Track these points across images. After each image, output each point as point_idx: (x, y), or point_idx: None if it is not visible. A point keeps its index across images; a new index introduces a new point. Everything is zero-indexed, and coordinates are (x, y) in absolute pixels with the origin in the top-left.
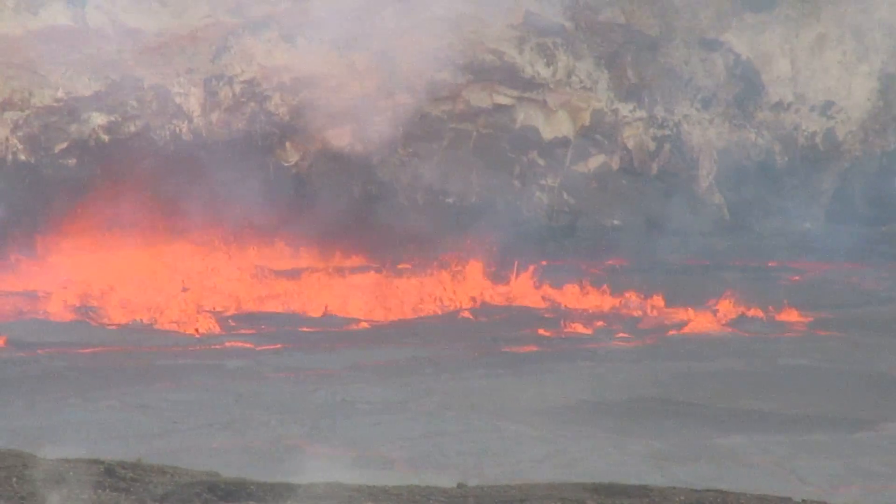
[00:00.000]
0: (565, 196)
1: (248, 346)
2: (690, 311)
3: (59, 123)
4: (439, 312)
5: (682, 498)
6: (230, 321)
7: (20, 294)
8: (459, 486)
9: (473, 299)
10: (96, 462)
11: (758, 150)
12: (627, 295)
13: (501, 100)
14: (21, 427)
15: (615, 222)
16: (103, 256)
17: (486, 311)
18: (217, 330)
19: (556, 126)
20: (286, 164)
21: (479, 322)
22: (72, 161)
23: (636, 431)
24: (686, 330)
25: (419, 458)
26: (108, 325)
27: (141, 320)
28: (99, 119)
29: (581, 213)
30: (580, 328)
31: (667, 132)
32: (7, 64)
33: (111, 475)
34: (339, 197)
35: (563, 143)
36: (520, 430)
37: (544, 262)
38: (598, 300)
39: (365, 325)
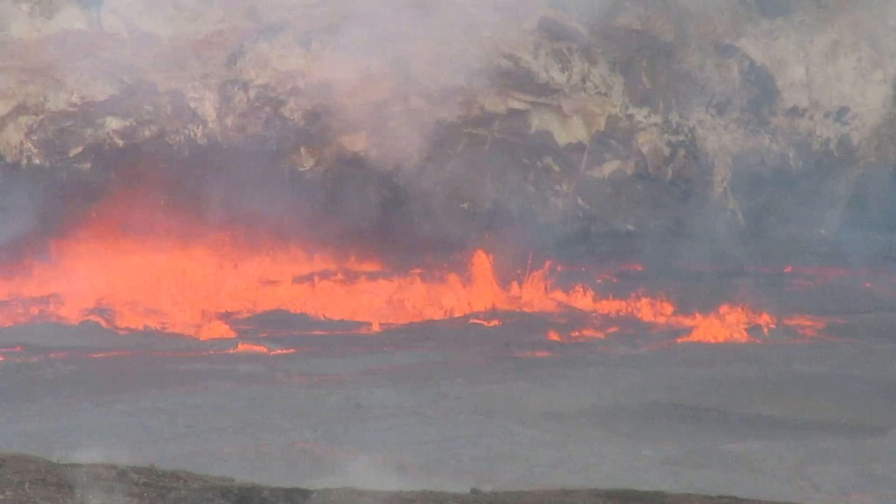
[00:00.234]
0: (580, 201)
1: (261, 350)
2: (704, 316)
3: (74, 128)
4: (452, 317)
5: None
6: (243, 325)
7: (34, 298)
8: (473, 491)
9: (486, 304)
10: (110, 467)
11: (772, 156)
12: (641, 301)
13: (516, 105)
14: (35, 431)
15: (630, 228)
16: (118, 261)
17: (499, 316)
18: (230, 334)
19: (571, 131)
20: (301, 169)
21: (492, 327)
22: (86, 165)
23: (650, 437)
24: (699, 336)
25: (433, 463)
26: (122, 329)
27: (154, 325)
28: (114, 123)
29: (595, 218)
30: (593, 333)
31: (681, 138)
32: (22, 68)
33: (124, 480)
34: (353, 202)
35: (578, 148)
36: (533, 434)
37: (559, 268)
38: (612, 306)
39: (377, 328)
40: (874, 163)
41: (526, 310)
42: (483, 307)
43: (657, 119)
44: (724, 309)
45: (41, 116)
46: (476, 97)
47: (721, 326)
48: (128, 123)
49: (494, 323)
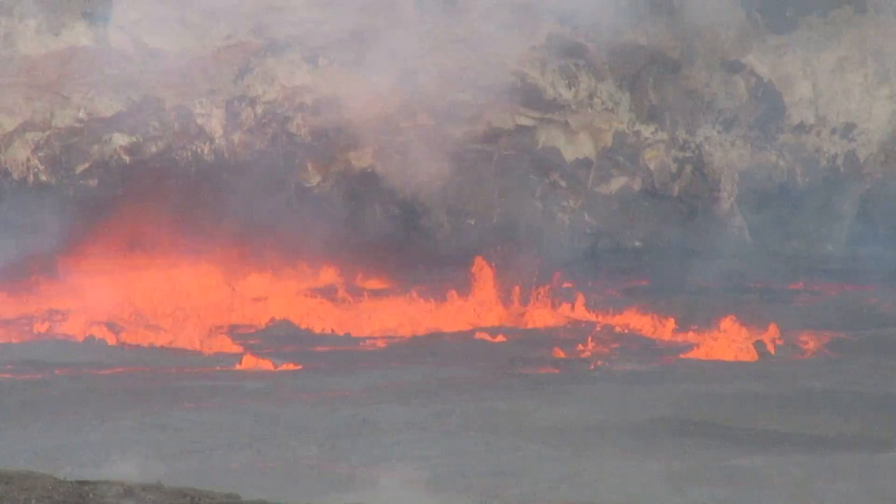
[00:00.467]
0: (587, 217)
1: (267, 366)
2: (710, 332)
3: (81, 144)
4: (458, 333)
5: None
6: (250, 341)
7: (40, 315)
8: None
9: (492, 320)
10: (116, 484)
11: (779, 172)
12: (647, 316)
13: (523, 121)
14: (40, 448)
15: (637, 244)
16: (124, 277)
17: (505, 332)
18: (236, 350)
19: (578, 147)
20: (308, 185)
21: (498, 343)
22: (93, 182)
23: (655, 452)
24: (705, 351)
25: (439, 479)
26: (128, 345)
27: (161, 341)
28: (120, 140)
29: (602, 234)
30: (599, 349)
31: (688, 154)
32: (29, 84)
33: (131, 497)
34: (360, 218)
35: (585, 164)
36: (539, 450)
37: (565, 283)
38: (618, 321)
39: (383, 344)
40: (881, 179)
41: (532, 326)
42: (489, 323)
43: (664, 135)
44: (730, 325)
45: (48, 133)
46: (483, 113)
47: (727, 342)
48: (134, 140)
49: (500, 339)
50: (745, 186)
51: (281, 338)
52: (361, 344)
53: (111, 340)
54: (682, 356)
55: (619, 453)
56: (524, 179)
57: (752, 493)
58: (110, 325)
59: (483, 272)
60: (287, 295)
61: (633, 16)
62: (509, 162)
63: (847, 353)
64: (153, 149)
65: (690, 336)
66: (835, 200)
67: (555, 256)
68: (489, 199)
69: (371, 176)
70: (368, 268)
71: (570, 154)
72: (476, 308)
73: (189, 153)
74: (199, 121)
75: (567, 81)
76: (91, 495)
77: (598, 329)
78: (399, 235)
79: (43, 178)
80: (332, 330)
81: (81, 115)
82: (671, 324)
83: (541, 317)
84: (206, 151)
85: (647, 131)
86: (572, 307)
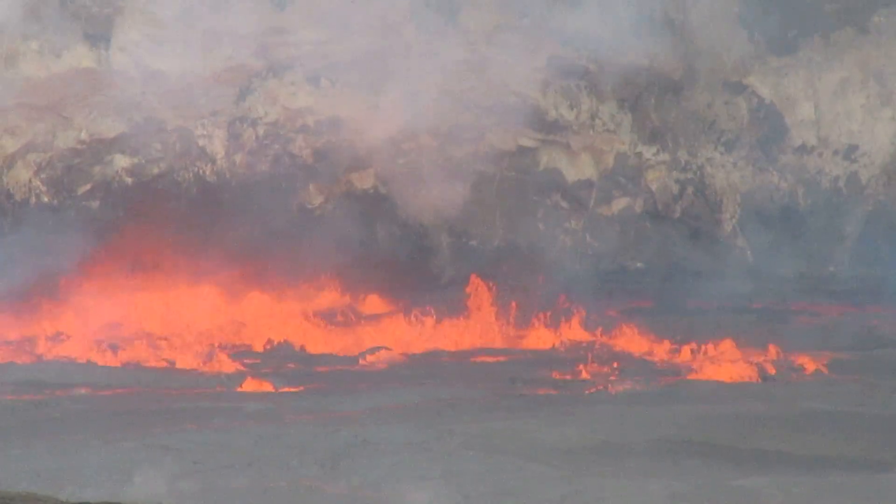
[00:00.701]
0: (589, 238)
1: (268, 387)
2: (711, 353)
3: (83, 165)
4: (459, 354)
5: None
6: (251, 362)
7: (42, 336)
8: None
9: (493, 341)
10: None
11: (781, 194)
12: (649, 337)
13: (525, 142)
14: (43, 469)
15: (638, 265)
16: (126, 298)
17: (505, 352)
18: (238, 371)
19: (580, 169)
20: (310, 206)
21: (499, 363)
22: (95, 203)
23: (657, 472)
24: (706, 372)
25: (441, 499)
26: (130, 366)
27: (162, 362)
28: (122, 161)
29: (604, 255)
30: (600, 370)
31: (690, 175)
32: (31, 106)
33: None
34: (362, 238)
35: (587, 185)
36: (541, 470)
37: (566, 304)
38: (619, 342)
39: (384, 365)
40: (883, 200)
41: (533, 346)
42: (489, 344)
43: (666, 157)
44: (731, 346)
45: (50, 154)
46: (485, 134)
47: (728, 363)
48: (136, 161)
49: (501, 359)
50: (747, 207)
51: (282, 358)
52: (362, 365)
53: (113, 361)
54: (682, 377)
55: (621, 473)
56: (526, 200)
57: None
58: (112, 346)
59: (484, 293)
60: (288, 316)
61: (634, 37)
62: (511, 183)
63: (848, 374)
64: (155, 170)
65: (691, 357)
66: (837, 222)
67: (556, 277)
68: (491, 220)
69: (373, 197)
70: (370, 288)
71: (571, 175)
72: (477, 329)
73: (191, 174)
74: (201, 142)
75: (569, 102)
76: None
77: (599, 350)
78: (401, 256)
79: (45, 199)
80: (333, 351)
81: (83, 136)
82: (672, 345)
83: (542, 338)
84: (207, 172)
85: (648, 152)
86: (573, 327)
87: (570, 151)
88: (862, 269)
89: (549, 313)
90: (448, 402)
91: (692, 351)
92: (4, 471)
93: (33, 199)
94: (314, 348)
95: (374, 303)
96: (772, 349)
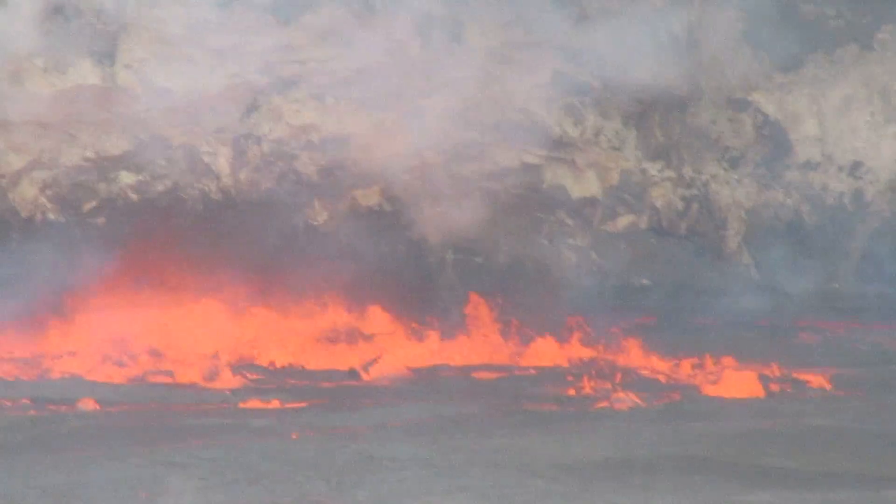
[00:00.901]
0: (594, 255)
1: (274, 403)
2: (716, 369)
3: (88, 182)
4: (464, 370)
5: None
6: (256, 378)
7: (48, 353)
8: None
9: (498, 357)
10: None
11: (786, 210)
12: (653, 354)
13: (529, 159)
14: (49, 485)
15: (644, 282)
16: (132, 315)
17: (509, 369)
18: (242, 387)
19: (585, 185)
20: (314, 223)
21: (502, 380)
22: (100, 220)
23: (662, 489)
24: (711, 389)
25: None
26: (135, 382)
27: (168, 378)
28: (127, 178)
29: (609, 272)
30: (603, 386)
31: (695, 192)
32: (36, 123)
33: None
34: (366, 255)
35: (592, 202)
36: (545, 486)
37: (571, 321)
38: (624, 359)
39: (389, 382)
40: (888, 217)
41: (537, 363)
42: (493, 360)
43: (671, 173)
44: (735, 362)
45: (55, 171)
46: (489, 151)
47: (733, 379)
48: (141, 178)
49: (504, 376)
50: (751, 224)
51: (286, 375)
52: (367, 381)
53: (118, 378)
54: (687, 393)
55: (625, 490)
56: (531, 217)
57: None
58: (118, 363)
59: (488, 310)
60: (293, 332)
61: (639, 54)
62: (516, 200)
63: (853, 390)
64: (160, 187)
65: (696, 373)
66: (842, 238)
67: (561, 294)
68: (495, 237)
69: (377, 214)
70: (374, 305)
71: (576, 192)
72: (480, 345)
73: (196, 191)
74: (206, 159)
75: (573, 119)
76: None
77: (603, 366)
78: (406, 272)
79: (51, 216)
80: (338, 367)
81: (89, 153)
82: (677, 361)
83: (546, 354)
84: (212, 189)
85: (653, 169)
86: (578, 344)
87: (574, 168)
88: (867, 285)
89: (553, 329)
90: (452, 418)
91: (697, 367)
92: (10, 487)
93: (39, 216)
94: (319, 364)
95: (378, 318)
96: (776, 366)
